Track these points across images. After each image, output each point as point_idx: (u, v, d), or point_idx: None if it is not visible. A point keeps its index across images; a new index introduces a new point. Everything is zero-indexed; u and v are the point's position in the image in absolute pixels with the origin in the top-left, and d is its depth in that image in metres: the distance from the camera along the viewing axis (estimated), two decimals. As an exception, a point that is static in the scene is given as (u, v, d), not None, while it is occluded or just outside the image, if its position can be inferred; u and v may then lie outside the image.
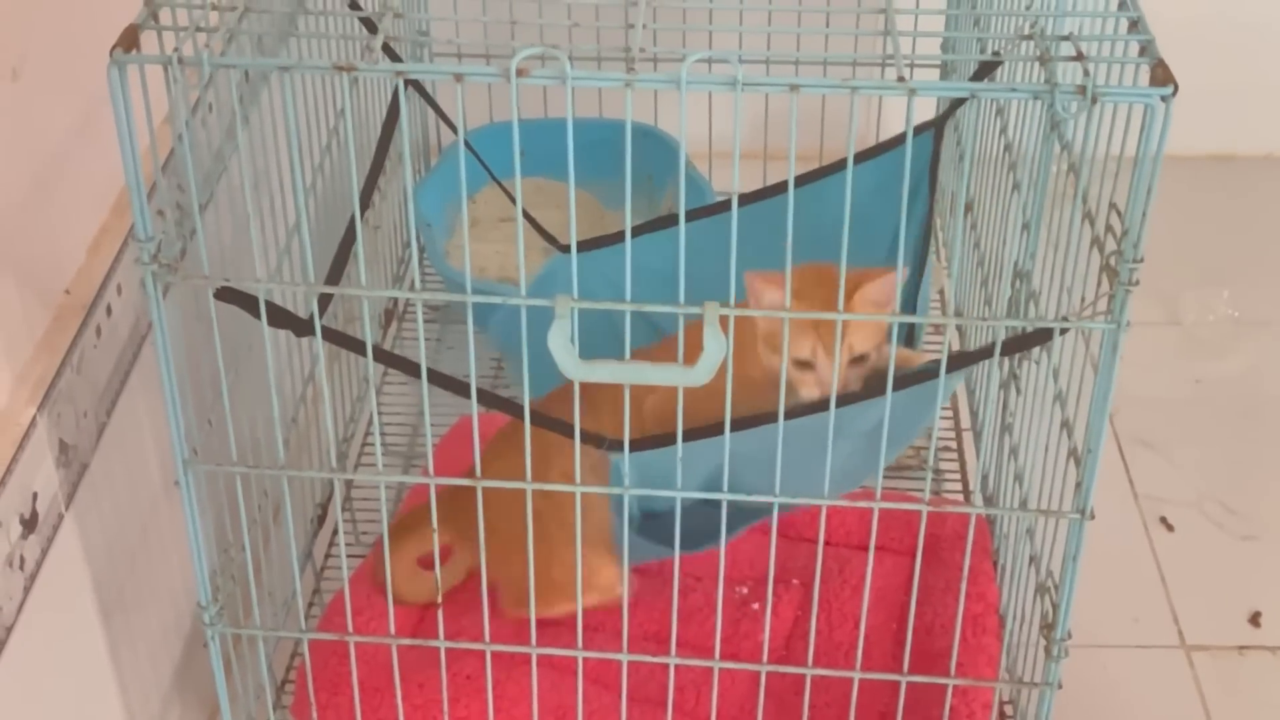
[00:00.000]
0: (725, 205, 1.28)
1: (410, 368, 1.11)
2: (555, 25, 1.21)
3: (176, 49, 0.98)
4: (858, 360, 1.20)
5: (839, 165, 1.41)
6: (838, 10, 1.40)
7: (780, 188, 1.42)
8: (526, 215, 1.46)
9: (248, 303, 1.08)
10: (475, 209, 2.00)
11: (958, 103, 1.44)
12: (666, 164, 1.99)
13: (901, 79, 0.95)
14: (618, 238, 1.53)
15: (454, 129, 1.41)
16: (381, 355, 1.11)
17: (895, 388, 1.09)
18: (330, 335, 1.11)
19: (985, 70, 1.38)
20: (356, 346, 1.11)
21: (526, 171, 1.44)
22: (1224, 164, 2.51)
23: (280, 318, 1.10)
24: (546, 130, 1.30)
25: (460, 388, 1.11)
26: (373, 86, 1.82)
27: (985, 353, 1.11)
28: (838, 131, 1.48)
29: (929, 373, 1.14)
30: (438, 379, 1.12)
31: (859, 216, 1.03)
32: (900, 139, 1.44)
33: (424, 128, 2.12)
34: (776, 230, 1.06)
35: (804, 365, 1.19)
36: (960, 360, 1.15)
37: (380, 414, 1.68)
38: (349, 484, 1.63)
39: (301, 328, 1.10)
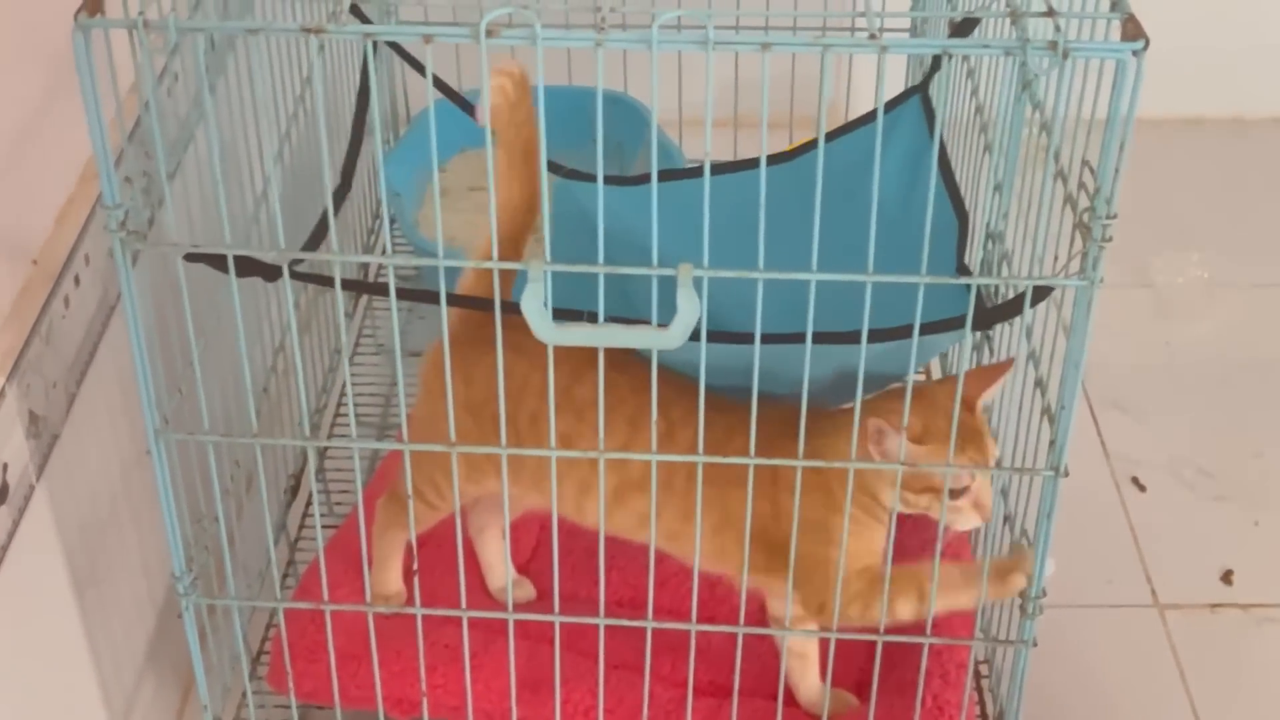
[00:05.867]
0: (700, 170, 1.27)
1: (382, 289, 1.09)
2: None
3: (141, 12, 0.97)
4: None
5: (828, 137, 1.39)
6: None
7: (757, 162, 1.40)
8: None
9: (216, 260, 1.07)
10: (445, 178, 1.99)
11: (935, 66, 1.43)
12: (637, 132, 1.98)
13: (874, 36, 0.95)
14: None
15: (448, 92, 1.40)
16: (353, 284, 1.10)
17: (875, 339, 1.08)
18: (303, 276, 1.09)
19: (961, 31, 1.38)
20: (329, 284, 1.09)
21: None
22: (1193, 127, 2.51)
23: (249, 266, 1.08)
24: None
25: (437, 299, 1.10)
26: (342, 54, 1.81)
27: (959, 320, 1.11)
28: (809, 96, 1.47)
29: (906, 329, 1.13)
30: (408, 293, 1.09)
31: (846, 190, 1.02)
32: (886, 109, 1.42)
33: (393, 96, 2.10)
34: (752, 202, 1.05)
35: (959, 492, 1.17)
36: (935, 328, 1.15)
37: (352, 385, 1.68)
38: (322, 454, 1.62)
39: (270, 273, 1.09)
